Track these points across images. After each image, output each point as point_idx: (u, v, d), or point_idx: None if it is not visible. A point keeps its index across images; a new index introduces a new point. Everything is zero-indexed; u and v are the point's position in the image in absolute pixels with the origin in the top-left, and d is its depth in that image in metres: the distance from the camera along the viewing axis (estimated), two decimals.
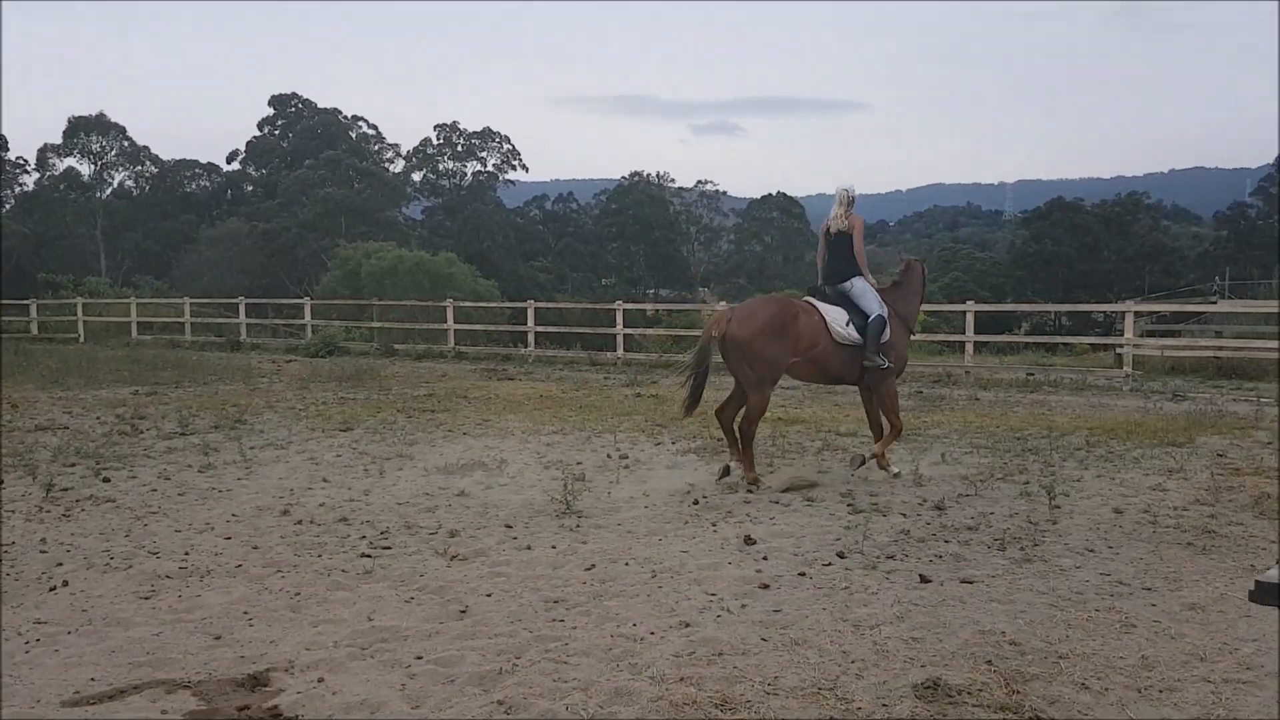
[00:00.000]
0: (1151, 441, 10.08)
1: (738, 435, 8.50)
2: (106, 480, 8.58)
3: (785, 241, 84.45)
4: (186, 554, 6.37)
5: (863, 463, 8.85)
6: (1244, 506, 7.28)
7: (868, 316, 8.70)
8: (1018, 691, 4.14)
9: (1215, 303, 29.88)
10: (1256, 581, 2.54)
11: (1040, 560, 6.04)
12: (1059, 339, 26.07)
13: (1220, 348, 18.69)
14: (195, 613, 5.26)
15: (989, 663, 4.44)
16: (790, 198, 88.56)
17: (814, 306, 8.68)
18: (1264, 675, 4.28)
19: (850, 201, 8.97)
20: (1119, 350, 19.56)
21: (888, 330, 8.75)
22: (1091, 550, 6.24)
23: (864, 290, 8.80)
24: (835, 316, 8.62)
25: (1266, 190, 61.84)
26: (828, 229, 9.03)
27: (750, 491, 8.08)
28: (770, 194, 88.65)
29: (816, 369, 8.69)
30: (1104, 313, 37.70)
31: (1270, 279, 41.72)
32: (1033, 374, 17.63)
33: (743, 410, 8.56)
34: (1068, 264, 62.30)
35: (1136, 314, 18.89)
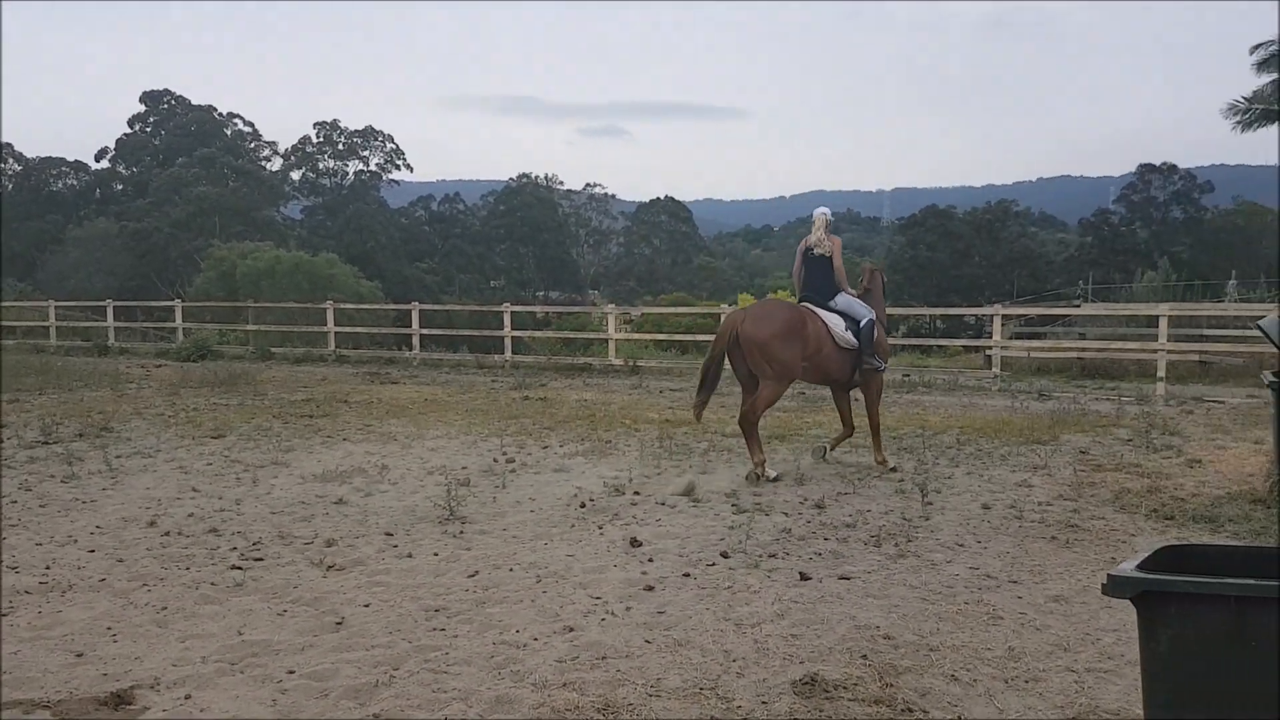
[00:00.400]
0: (1018, 440, 10.48)
1: (745, 430, 8.80)
2: None
3: (674, 245, 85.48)
4: (47, 568, 6.08)
5: (824, 455, 9.51)
6: (1105, 501, 7.63)
7: (859, 322, 9.22)
8: (891, 685, 4.23)
9: (1079, 306, 31.25)
10: (1109, 575, 2.65)
11: (914, 555, 6.21)
12: (934, 341, 26.93)
13: (1084, 349, 19.57)
14: (56, 629, 5.01)
15: (864, 657, 4.54)
16: (678, 202, 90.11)
17: (815, 313, 9.07)
18: (1124, 664, 4.47)
19: (828, 224, 9.49)
20: (988, 352, 20.30)
21: (876, 332, 9.38)
22: (961, 545, 6.44)
23: (849, 300, 9.35)
24: (835, 322, 9.09)
25: (1129, 198, 64.93)
26: (809, 249, 9.44)
27: (759, 477, 8.33)
28: (658, 198, 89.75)
29: (819, 372, 9.17)
30: (975, 316, 39.16)
31: (1132, 283, 43.85)
32: (908, 375, 18.15)
33: (751, 401, 8.90)
34: (941, 269, 64.49)
35: (1005, 317, 19.64)
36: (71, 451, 9.65)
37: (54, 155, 73.84)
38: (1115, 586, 2.63)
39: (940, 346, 25.80)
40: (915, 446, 10.09)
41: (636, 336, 23.02)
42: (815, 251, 9.36)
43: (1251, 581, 2.55)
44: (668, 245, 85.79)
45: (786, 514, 7.32)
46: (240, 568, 6.07)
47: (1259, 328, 7.69)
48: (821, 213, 9.57)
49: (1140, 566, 2.73)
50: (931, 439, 10.55)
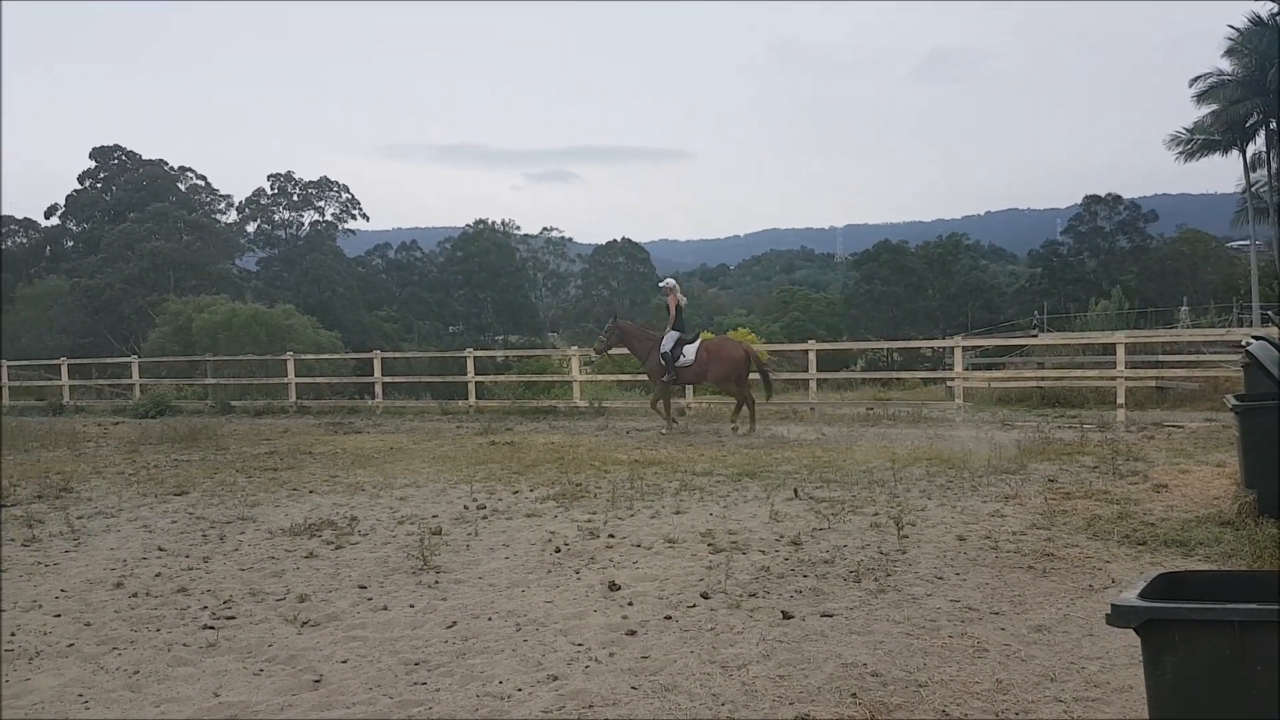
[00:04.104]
0: (986, 469, 10.55)
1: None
2: None
3: (632, 285, 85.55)
4: (12, 635, 5.88)
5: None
6: (1078, 529, 7.68)
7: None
8: None
9: (1036, 335, 31.70)
10: (1113, 605, 2.64)
11: (894, 590, 6.19)
12: (892, 374, 27.14)
13: (1043, 378, 19.82)
14: (24, 698, 4.85)
15: (854, 695, 4.50)
16: (634, 243, 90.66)
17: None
18: (1110, 692, 4.47)
19: (674, 289, 16.65)
20: (950, 383, 20.50)
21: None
22: (940, 578, 6.44)
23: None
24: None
25: (1076, 229, 66.29)
26: (680, 304, 16.45)
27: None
28: (615, 240, 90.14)
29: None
30: (932, 348, 39.65)
31: (1084, 312, 44.60)
32: (872, 409, 18.27)
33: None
34: (896, 302, 65.29)
35: (964, 348, 19.86)
36: (31, 513, 9.46)
37: (1, 214, 72.74)
38: (1120, 616, 2.63)
39: (899, 379, 26.01)
40: (886, 479, 10.12)
41: (599, 378, 22.98)
42: (683, 305, 16.49)
43: (1254, 606, 2.56)
44: (626, 286, 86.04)
45: (764, 552, 7.28)
46: (212, 627, 5.91)
47: (1248, 353, 7.77)
48: (669, 283, 16.92)
49: (1141, 595, 2.74)
50: (901, 471, 10.59)
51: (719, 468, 11.44)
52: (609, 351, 18.20)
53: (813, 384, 19.40)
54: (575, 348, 23.67)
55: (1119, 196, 65.48)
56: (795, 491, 9.61)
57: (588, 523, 8.51)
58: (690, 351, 16.22)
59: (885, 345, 36.60)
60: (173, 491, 10.91)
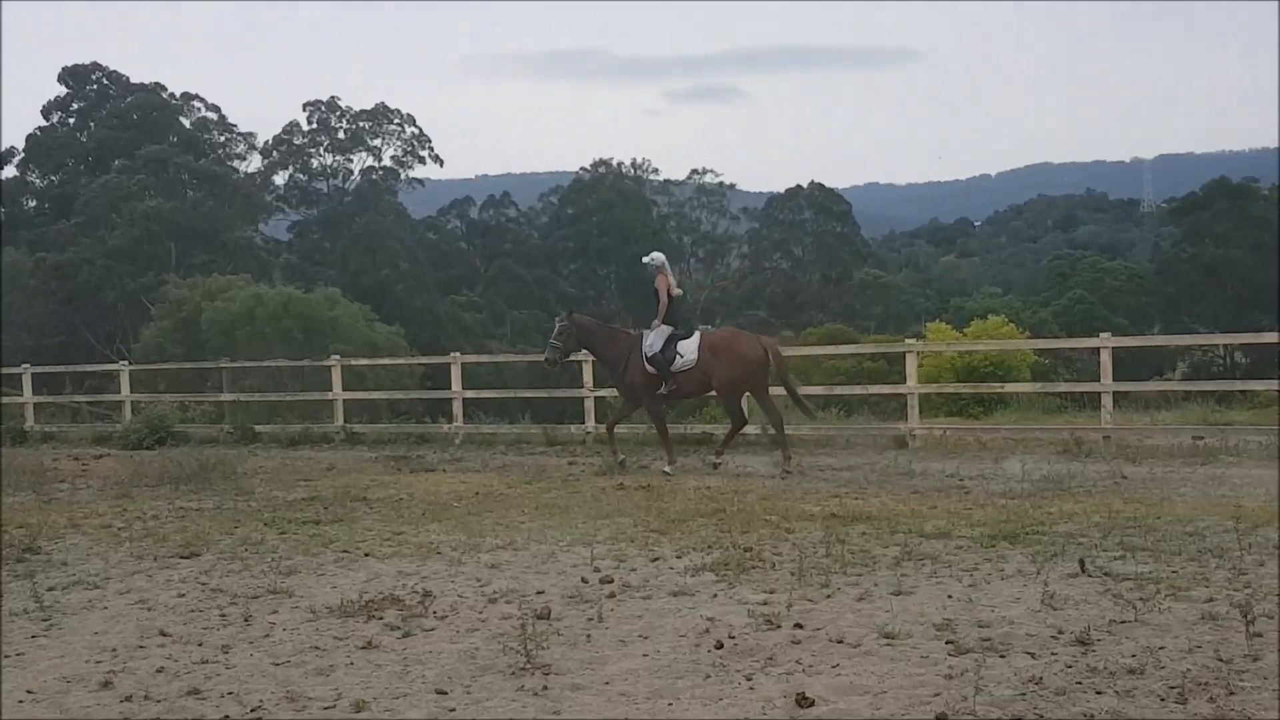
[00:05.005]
0: None
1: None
2: None
3: (824, 253, 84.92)
4: None
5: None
6: None
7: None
8: None
9: None
10: None
11: (1239, 716, 5.98)
12: (1233, 384, 26.22)
13: None
14: None
15: None
16: (828, 190, 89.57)
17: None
18: None
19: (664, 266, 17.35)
20: None
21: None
22: None
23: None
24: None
25: None
26: (673, 290, 17.15)
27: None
28: (799, 186, 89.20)
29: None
30: None
31: None
32: (1201, 437, 17.68)
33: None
34: (1240, 273, 62.84)
35: None
36: None
37: None
38: None
39: (1244, 392, 25.08)
40: (1227, 547, 9.78)
41: (779, 392, 22.89)
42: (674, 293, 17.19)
43: None
44: (815, 254, 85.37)
45: (1034, 655, 7.13)
46: None
47: None
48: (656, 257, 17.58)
49: None
50: (1250, 534, 10.22)
51: (959, 526, 11.26)
52: (568, 359, 18.89)
53: (1106, 400, 18.87)
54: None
55: None
56: (1081, 564, 9.38)
57: (763, 606, 8.45)
58: (689, 349, 16.50)
59: (1221, 340, 35.41)
60: (178, 553, 11.20)
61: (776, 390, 17.49)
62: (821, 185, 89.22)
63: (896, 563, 9.81)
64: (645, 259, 17.88)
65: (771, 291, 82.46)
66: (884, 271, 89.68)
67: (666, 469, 16.47)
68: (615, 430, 17.91)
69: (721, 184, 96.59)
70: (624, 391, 17.78)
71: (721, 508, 12.84)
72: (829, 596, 8.74)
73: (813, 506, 12.81)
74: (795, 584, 9.10)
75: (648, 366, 16.74)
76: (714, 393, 17.50)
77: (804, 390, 19.65)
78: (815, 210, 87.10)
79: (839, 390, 23.13)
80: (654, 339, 16.71)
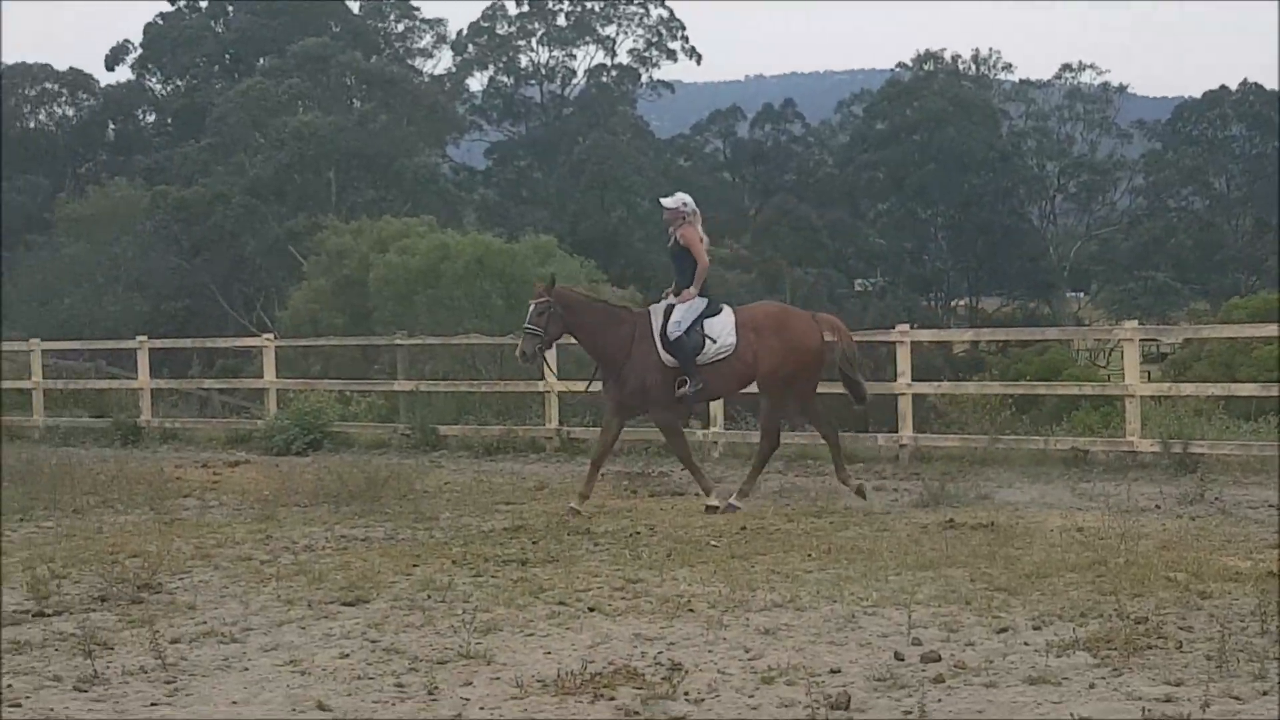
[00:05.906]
0: None
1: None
2: None
3: (1260, 188, 69.90)
4: None
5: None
6: None
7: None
8: None
9: None
10: None
11: None
12: None
13: None
14: None
15: None
16: (1269, 93, 73.56)
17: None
18: None
19: (691, 213, 14.02)
20: None
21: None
22: None
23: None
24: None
25: None
26: (704, 241, 14.02)
27: None
28: (1223, 88, 74.68)
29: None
30: None
31: None
32: None
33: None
34: None
35: None
36: (88, 630, 8.70)
37: (29, 60, 67.00)
38: None
39: None
40: None
41: (1178, 390, 19.04)
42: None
43: None
44: (1246, 189, 72.41)
45: None
46: None
47: None
48: (680, 199, 13.99)
49: None
50: None
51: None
52: (550, 347, 15.43)
53: None
54: (1131, 323, 19.69)
55: None
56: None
57: (1165, 704, 7.06)
58: (722, 329, 13.48)
59: None
60: (340, 598, 10.10)
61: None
62: (1259, 86, 73.10)
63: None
64: (665, 200, 14.36)
65: (1178, 244, 67.92)
66: None
67: (713, 501, 13.58)
68: (601, 451, 14.30)
69: (1106, 86, 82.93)
70: (622, 398, 14.08)
71: (1101, 558, 10.94)
72: (1265, 694, 7.22)
73: (1239, 560, 10.82)
74: (1214, 673, 7.59)
75: (664, 357, 13.45)
76: (763, 389, 14.17)
77: (1233, 390, 16.39)
78: (1248, 124, 72.21)
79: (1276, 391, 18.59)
80: (679, 316, 13.46)
